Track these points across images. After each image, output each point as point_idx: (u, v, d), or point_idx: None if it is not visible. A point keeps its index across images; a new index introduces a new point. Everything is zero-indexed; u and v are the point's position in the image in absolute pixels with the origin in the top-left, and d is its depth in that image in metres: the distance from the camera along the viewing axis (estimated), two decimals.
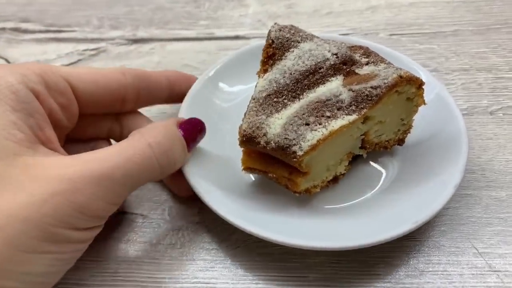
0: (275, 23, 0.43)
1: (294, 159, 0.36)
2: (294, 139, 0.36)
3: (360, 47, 0.42)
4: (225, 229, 0.42)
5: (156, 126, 0.38)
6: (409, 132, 0.44)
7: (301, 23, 0.63)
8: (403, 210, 0.39)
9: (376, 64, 0.41)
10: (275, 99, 0.39)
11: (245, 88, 0.50)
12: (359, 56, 0.41)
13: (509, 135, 0.48)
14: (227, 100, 0.49)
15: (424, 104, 0.41)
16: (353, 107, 0.38)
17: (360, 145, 0.43)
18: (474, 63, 0.56)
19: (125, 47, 0.62)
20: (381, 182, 0.43)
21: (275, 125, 0.37)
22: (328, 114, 0.37)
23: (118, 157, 0.34)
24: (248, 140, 0.38)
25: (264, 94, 0.39)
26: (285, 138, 0.36)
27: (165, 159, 0.36)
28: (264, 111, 0.38)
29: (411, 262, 0.39)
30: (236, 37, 0.62)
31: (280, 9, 0.66)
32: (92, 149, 0.39)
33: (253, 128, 0.37)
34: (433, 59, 0.57)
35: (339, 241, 0.36)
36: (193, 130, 0.40)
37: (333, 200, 0.42)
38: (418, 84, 0.40)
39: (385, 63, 0.41)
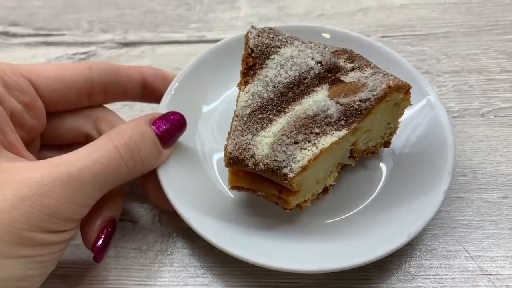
0: (252, 27, 0.41)
1: (285, 181, 0.35)
2: (284, 160, 0.35)
3: (344, 51, 0.40)
4: None
5: (124, 127, 0.37)
6: (395, 133, 0.43)
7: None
8: (394, 223, 0.38)
9: (362, 70, 0.39)
10: (259, 116, 0.37)
11: (225, 86, 0.49)
12: (344, 62, 0.40)
13: (500, 137, 0.48)
14: (207, 101, 0.48)
15: (409, 105, 0.41)
16: (342, 122, 0.37)
17: (348, 155, 0.42)
18: (465, 65, 0.56)
19: (116, 51, 0.62)
20: (372, 195, 0.42)
21: (262, 144, 0.36)
22: (317, 130, 0.36)
23: (86, 159, 0.33)
24: (235, 162, 0.36)
25: (248, 111, 0.37)
26: (275, 160, 0.35)
27: (132, 160, 0.36)
28: (249, 129, 0.37)
29: (403, 267, 0.39)
30: None
31: (271, 11, 0.66)
32: None
33: (240, 150, 0.36)
34: (424, 61, 0.57)
35: (331, 262, 0.36)
36: (168, 126, 0.39)
37: (319, 214, 0.41)
38: (405, 89, 0.39)
39: (370, 67, 0.39)
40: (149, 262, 0.41)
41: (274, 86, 0.38)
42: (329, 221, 0.41)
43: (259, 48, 0.40)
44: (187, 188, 0.40)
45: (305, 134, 0.36)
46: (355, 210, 0.41)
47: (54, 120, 0.40)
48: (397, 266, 0.39)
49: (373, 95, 0.37)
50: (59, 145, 0.42)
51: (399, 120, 0.43)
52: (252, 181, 0.38)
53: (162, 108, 0.43)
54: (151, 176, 0.40)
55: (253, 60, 0.40)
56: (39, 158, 0.37)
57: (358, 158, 0.43)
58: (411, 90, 0.39)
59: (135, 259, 0.41)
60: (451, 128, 0.42)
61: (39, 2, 0.69)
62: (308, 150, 0.35)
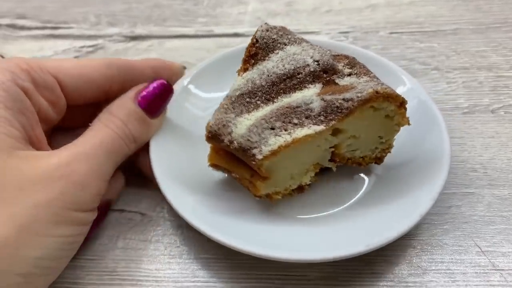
0: (265, 23, 0.42)
1: (253, 162, 0.35)
2: (256, 141, 0.35)
3: (346, 57, 0.41)
4: None
5: (110, 108, 0.39)
6: (389, 152, 0.42)
7: (300, 21, 0.63)
8: (359, 230, 0.38)
9: (359, 76, 0.39)
10: (247, 99, 0.38)
11: (222, 95, 0.49)
12: (343, 66, 0.40)
13: (510, 133, 0.48)
14: (202, 108, 0.48)
15: (408, 124, 0.39)
16: (322, 117, 0.36)
17: (329, 158, 0.41)
18: (475, 61, 0.56)
19: (123, 44, 0.62)
20: (353, 199, 0.42)
21: (242, 125, 0.36)
22: (295, 121, 0.36)
23: (93, 140, 0.36)
24: (213, 137, 0.37)
25: (237, 93, 0.38)
26: (248, 140, 0.35)
27: (126, 137, 0.38)
28: (234, 109, 0.38)
29: (414, 261, 0.39)
30: (235, 35, 0.62)
31: (279, 6, 0.66)
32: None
33: (219, 126, 0.37)
34: (434, 57, 0.56)
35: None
36: (153, 97, 0.40)
37: (303, 209, 0.41)
38: (398, 102, 0.37)
39: (368, 76, 0.39)
40: (158, 254, 0.40)
41: (268, 75, 0.39)
42: (326, 212, 0.41)
43: (264, 40, 0.41)
44: (177, 171, 0.41)
45: (283, 122, 0.36)
46: (330, 211, 0.41)
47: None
48: (408, 261, 0.39)
49: (357, 97, 0.36)
50: (66, 129, 0.43)
51: (394, 137, 0.41)
52: (230, 162, 0.39)
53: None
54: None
55: (256, 50, 0.41)
56: (49, 139, 0.39)
57: (341, 164, 0.41)
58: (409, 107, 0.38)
59: (143, 250, 0.41)
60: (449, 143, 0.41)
61: None
62: (282, 137, 0.36)
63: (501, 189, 0.43)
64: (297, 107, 0.37)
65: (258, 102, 0.38)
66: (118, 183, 0.42)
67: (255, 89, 0.39)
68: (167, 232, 0.42)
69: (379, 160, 0.42)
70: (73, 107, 0.41)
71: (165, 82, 0.41)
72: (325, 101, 0.37)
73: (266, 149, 0.35)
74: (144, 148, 0.41)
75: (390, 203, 0.39)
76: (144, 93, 0.40)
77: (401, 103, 0.38)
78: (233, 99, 0.38)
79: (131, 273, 0.39)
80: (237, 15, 0.65)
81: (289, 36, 0.42)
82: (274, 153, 0.35)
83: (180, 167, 0.42)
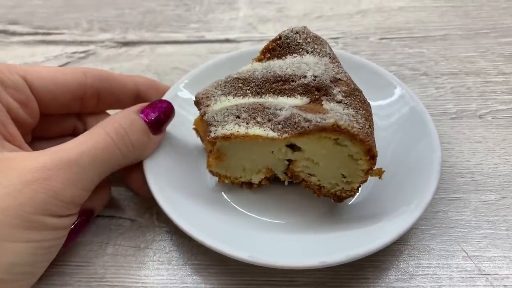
0: (304, 26, 0.42)
1: (208, 137, 0.38)
2: (217, 121, 0.38)
3: (348, 85, 0.38)
4: None
5: (114, 116, 0.39)
6: (351, 196, 0.40)
7: (291, 27, 0.63)
8: (311, 243, 0.38)
9: (347, 107, 0.36)
10: (240, 85, 0.40)
11: None
12: (338, 92, 0.37)
13: (497, 138, 0.48)
14: (195, 113, 0.47)
15: (380, 178, 0.37)
16: (280, 126, 0.37)
17: (284, 170, 0.41)
18: (463, 67, 0.56)
19: (115, 50, 0.62)
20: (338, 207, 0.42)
21: (221, 104, 0.39)
22: (259, 119, 0.37)
23: (82, 145, 0.35)
24: (196, 103, 0.41)
25: (235, 76, 0.41)
26: (212, 117, 0.39)
27: (124, 145, 0.37)
28: (224, 88, 0.40)
29: (401, 266, 0.39)
30: (227, 40, 0.62)
31: (270, 12, 0.66)
32: None
33: (203, 96, 0.40)
34: (423, 63, 0.57)
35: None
36: (156, 114, 0.40)
37: (290, 216, 0.41)
38: (363, 147, 0.35)
39: (356, 111, 0.36)
40: (147, 260, 0.40)
41: (268, 72, 0.40)
42: (321, 218, 0.41)
43: (288, 40, 0.41)
44: (171, 178, 0.41)
45: (249, 116, 0.38)
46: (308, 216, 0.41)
47: (43, 115, 0.41)
48: (395, 266, 0.39)
49: (317, 121, 0.35)
50: (48, 138, 0.43)
51: (358, 184, 0.39)
52: (206, 132, 0.40)
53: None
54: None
55: (275, 46, 0.41)
56: (32, 150, 0.38)
57: (294, 182, 0.42)
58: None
59: (133, 257, 0.41)
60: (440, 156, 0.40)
61: (38, 1, 0.69)
62: (240, 127, 0.37)
63: (488, 194, 0.44)
64: (268, 108, 0.38)
65: (248, 91, 0.40)
66: (104, 194, 0.41)
67: (252, 79, 0.40)
68: (156, 238, 0.42)
69: (338, 198, 0.41)
70: (51, 115, 0.41)
71: (169, 102, 0.41)
72: (291, 113, 0.36)
73: (220, 131, 0.38)
74: (134, 166, 0.41)
75: (367, 220, 0.39)
76: (148, 109, 0.40)
77: (369, 150, 0.36)
78: (229, 79, 0.41)
79: (120, 279, 0.39)
80: (229, 21, 0.65)
81: (316, 47, 0.40)
82: (224, 137, 0.38)
83: (173, 173, 0.42)
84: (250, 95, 0.40)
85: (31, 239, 0.32)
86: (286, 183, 0.42)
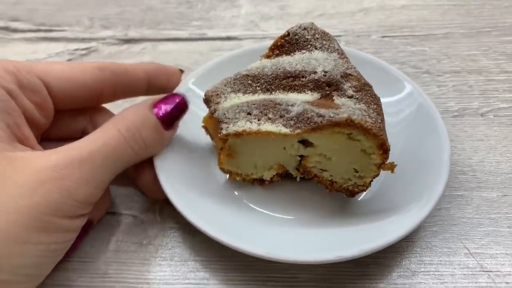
0: (311, 23, 0.42)
1: (219, 135, 0.38)
2: (229, 118, 0.38)
3: (358, 79, 0.38)
4: None
5: (125, 113, 0.38)
6: (364, 190, 0.41)
7: (293, 24, 0.63)
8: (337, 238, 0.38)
9: (358, 102, 0.37)
10: (249, 82, 0.40)
11: None
12: (349, 87, 0.38)
13: (499, 136, 0.48)
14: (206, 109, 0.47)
15: (392, 172, 0.38)
16: (292, 122, 0.37)
17: (296, 166, 0.41)
18: (465, 65, 0.56)
19: (116, 47, 0.62)
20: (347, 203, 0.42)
21: (231, 101, 0.39)
22: (270, 115, 0.37)
23: (94, 144, 0.35)
24: (206, 101, 0.41)
25: (244, 73, 0.40)
26: (224, 114, 0.38)
27: (135, 142, 0.37)
28: (233, 85, 0.40)
29: (403, 263, 0.39)
30: (228, 38, 0.62)
31: (272, 10, 0.66)
32: None
33: (213, 93, 0.40)
34: (425, 61, 0.57)
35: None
36: (169, 109, 0.39)
37: (298, 211, 0.42)
38: (376, 141, 0.36)
39: (367, 106, 0.37)
40: (150, 256, 0.40)
41: (277, 68, 0.40)
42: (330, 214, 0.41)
43: (296, 37, 0.41)
44: (182, 176, 0.41)
45: (260, 112, 0.38)
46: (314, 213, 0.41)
47: (55, 117, 0.41)
48: (398, 263, 0.39)
49: (330, 116, 0.35)
50: (57, 140, 0.42)
51: (371, 178, 0.39)
52: (216, 129, 0.40)
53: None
54: (144, 165, 0.41)
55: (283, 42, 0.41)
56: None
57: (307, 177, 0.42)
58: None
59: (135, 253, 0.41)
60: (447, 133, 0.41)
61: None
62: (251, 124, 0.37)
63: (490, 192, 0.44)
64: (279, 104, 0.38)
65: (258, 88, 0.40)
66: (104, 204, 0.41)
67: (261, 75, 0.40)
68: (158, 235, 0.42)
69: (350, 193, 0.41)
70: (65, 113, 0.41)
71: (183, 96, 0.40)
72: (304, 109, 0.37)
73: (232, 128, 0.37)
74: (144, 168, 0.41)
75: (378, 215, 0.39)
76: (161, 104, 0.39)
77: (381, 144, 0.36)
78: (238, 76, 0.40)
79: (123, 276, 0.39)
80: (230, 19, 0.65)
81: (324, 43, 0.41)
82: (237, 134, 0.37)
83: (185, 171, 0.42)
84: (260, 91, 0.40)
85: (41, 241, 0.31)
86: (298, 179, 0.42)
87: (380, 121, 0.36)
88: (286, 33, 0.41)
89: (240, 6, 0.67)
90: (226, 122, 0.38)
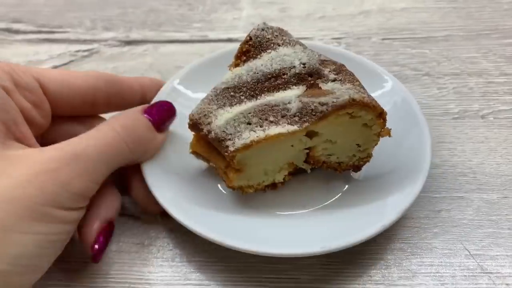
0: (263, 23, 0.43)
1: (226, 153, 0.37)
2: (231, 134, 0.37)
3: (333, 63, 0.40)
4: None
5: (117, 115, 0.40)
6: (368, 161, 0.42)
7: (294, 26, 0.64)
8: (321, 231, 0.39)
9: (343, 83, 0.39)
10: (232, 93, 0.39)
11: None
12: (329, 71, 0.40)
13: (499, 138, 0.49)
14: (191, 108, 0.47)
15: (389, 136, 0.39)
16: (296, 118, 0.37)
17: (304, 159, 0.41)
18: (465, 67, 0.56)
19: (118, 49, 0.62)
20: (329, 200, 0.42)
21: (222, 117, 0.38)
22: (271, 119, 0.37)
23: (88, 140, 0.36)
24: (194, 125, 0.39)
25: (223, 86, 0.40)
26: (223, 131, 0.37)
27: (130, 138, 0.38)
28: (217, 101, 0.39)
29: (404, 264, 0.39)
30: (229, 40, 0.63)
31: (273, 12, 0.66)
32: None
33: (201, 115, 0.38)
34: (425, 63, 0.57)
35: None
36: (158, 111, 0.41)
37: (281, 207, 0.42)
38: (376, 112, 0.37)
39: (352, 84, 0.38)
40: (151, 257, 0.41)
41: (255, 73, 0.40)
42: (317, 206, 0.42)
43: (258, 39, 0.41)
44: (173, 184, 0.41)
45: (260, 119, 0.37)
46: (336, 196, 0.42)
47: (52, 123, 0.41)
48: (398, 264, 0.39)
49: (333, 102, 0.36)
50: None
51: (373, 147, 0.41)
52: (209, 151, 0.40)
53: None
54: (135, 174, 0.41)
55: (249, 47, 0.41)
56: None
57: (316, 167, 0.42)
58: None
59: (136, 253, 0.41)
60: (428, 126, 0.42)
61: (41, 0, 0.69)
62: (256, 132, 0.37)
63: (490, 194, 0.44)
64: (276, 105, 0.38)
65: (242, 97, 0.39)
66: (115, 202, 0.41)
67: (241, 84, 0.39)
68: (160, 235, 0.42)
69: (356, 168, 0.42)
70: (63, 121, 0.42)
71: (171, 104, 0.42)
72: (302, 102, 0.37)
73: (239, 142, 0.36)
74: (135, 181, 0.41)
75: (361, 207, 0.40)
76: (151, 109, 0.41)
77: (380, 113, 0.38)
78: (218, 91, 0.39)
79: (124, 276, 0.39)
80: (232, 21, 0.65)
81: (284, 38, 0.42)
82: (246, 147, 0.36)
83: (171, 168, 0.42)
84: (246, 100, 0.39)
85: (38, 231, 0.32)
86: (308, 170, 0.42)
87: (368, 94, 0.38)
88: (248, 38, 0.42)
89: (241, 8, 0.67)
90: (229, 139, 0.37)
